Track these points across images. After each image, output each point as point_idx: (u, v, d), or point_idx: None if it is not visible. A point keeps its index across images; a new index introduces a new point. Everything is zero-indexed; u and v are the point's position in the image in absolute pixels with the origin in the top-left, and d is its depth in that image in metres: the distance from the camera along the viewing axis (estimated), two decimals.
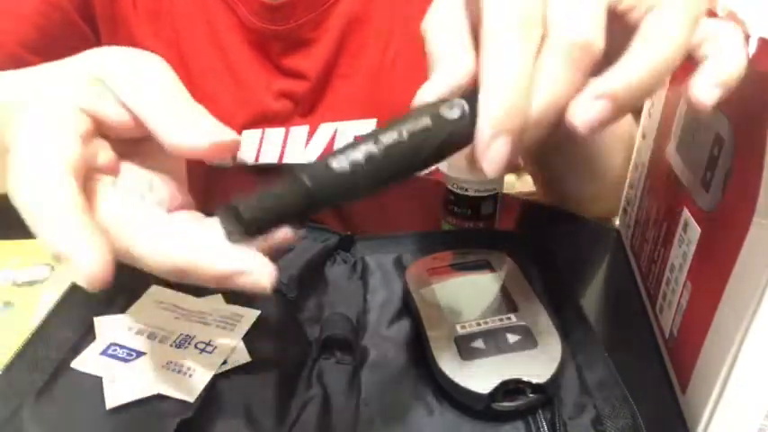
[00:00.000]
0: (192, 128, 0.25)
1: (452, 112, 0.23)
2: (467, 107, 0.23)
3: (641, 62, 0.23)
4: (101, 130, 0.26)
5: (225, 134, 0.25)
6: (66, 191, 0.22)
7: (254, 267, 0.23)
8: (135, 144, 0.27)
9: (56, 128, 0.24)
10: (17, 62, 0.53)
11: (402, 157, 0.23)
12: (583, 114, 0.23)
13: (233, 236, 0.23)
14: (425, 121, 0.23)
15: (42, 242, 0.22)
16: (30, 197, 0.22)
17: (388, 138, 0.23)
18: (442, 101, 0.24)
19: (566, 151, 0.53)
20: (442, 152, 0.24)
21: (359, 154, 0.22)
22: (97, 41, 0.60)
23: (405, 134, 0.23)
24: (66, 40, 0.57)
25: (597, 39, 0.23)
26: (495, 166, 0.23)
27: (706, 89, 0.25)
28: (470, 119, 0.23)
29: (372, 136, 0.23)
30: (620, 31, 0.24)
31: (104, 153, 0.26)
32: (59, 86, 0.26)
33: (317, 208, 0.23)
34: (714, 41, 0.26)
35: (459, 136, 0.23)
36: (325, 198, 0.22)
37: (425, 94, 0.25)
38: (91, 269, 0.21)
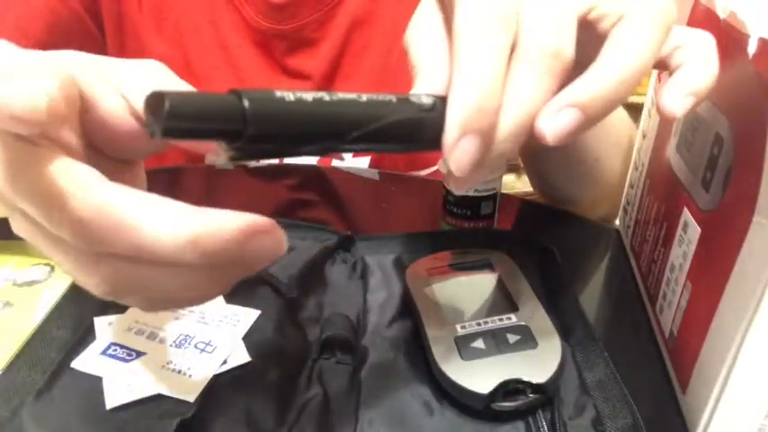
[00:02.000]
0: None
1: (421, 99, 0.23)
2: (440, 103, 0.23)
3: (609, 72, 0.23)
4: (89, 123, 0.24)
5: None
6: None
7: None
8: (120, 170, 0.26)
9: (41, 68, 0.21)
10: None
11: (352, 115, 0.21)
12: (550, 124, 0.23)
13: (152, 128, 0.20)
14: (390, 97, 0.22)
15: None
16: None
17: (346, 94, 0.22)
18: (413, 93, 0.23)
19: (558, 157, 0.53)
20: (401, 133, 0.22)
21: (308, 95, 0.21)
22: (103, 41, 0.60)
23: (363, 97, 0.22)
24: (75, 39, 0.57)
25: (567, 47, 0.23)
26: (461, 165, 0.22)
27: (677, 99, 0.25)
28: (441, 114, 0.22)
29: (330, 92, 0.21)
30: (591, 39, 0.24)
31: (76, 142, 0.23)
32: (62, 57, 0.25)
33: (251, 132, 0.20)
34: (687, 49, 0.26)
35: (424, 125, 0.23)
36: (259, 120, 0.20)
37: None
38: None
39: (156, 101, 0.19)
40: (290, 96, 0.20)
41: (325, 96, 0.21)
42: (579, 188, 0.55)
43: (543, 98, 0.23)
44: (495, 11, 0.22)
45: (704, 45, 0.26)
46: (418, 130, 0.23)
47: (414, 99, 0.23)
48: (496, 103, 0.22)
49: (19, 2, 0.55)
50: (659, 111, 0.26)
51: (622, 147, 0.54)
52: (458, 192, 0.25)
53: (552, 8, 0.23)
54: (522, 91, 0.22)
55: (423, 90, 0.24)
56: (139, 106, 0.24)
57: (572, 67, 0.23)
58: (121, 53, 0.61)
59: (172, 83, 0.26)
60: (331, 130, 0.21)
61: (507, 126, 0.23)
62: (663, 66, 0.27)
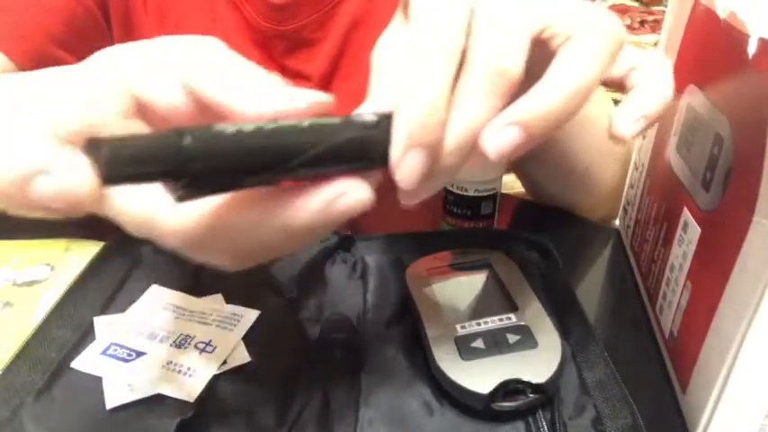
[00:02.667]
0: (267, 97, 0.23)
1: (364, 118, 0.23)
2: (385, 121, 0.23)
3: (553, 91, 0.23)
4: (149, 115, 0.25)
5: (303, 96, 0.23)
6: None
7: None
8: None
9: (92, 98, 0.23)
10: (45, 55, 0.53)
11: (292, 141, 0.21)
12: (493, 141, 0.23)
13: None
14: (333, 119, 0.22)
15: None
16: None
17: (286, 121, 0.22)
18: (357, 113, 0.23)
19: (546, 167, 0.53)
20: (345, 154, 0.22)
21: (249, 126, 0.21)
22: (111, 37, 0.61)
23: (306, 122, 0.22)
24: (88, 36, 0.58)
25: (515, 66, 0.23)
26: (407, 179, 0.22)
27: (627, 122, 0.25)
28: (386, 131, 0.22)
29: (273, 120, 0.22)
30: (545, 57, 0.24)
31: None
32: (109, 71, 0.25)
33: (194, 169, 0.20)
34: (641, 71, 0.26)
35: (368, 143, 0.22)
36: (200, 156, 0.20)
37: None
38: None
39: (94, 149, 0.19)
40: (229, 129, 0.20)
41: (266, 126, 0.21)
42: (572, 196, 0.55)
43: (487, 115, 0.23)
44: (447, 31, 0.23)
45: (659, 68, 0.26)
46: (363, 148, 0.23)
47: (357, 118, 0.23)
48: (441, 118, 0.22)
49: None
50: (609, 134, 0.26)
51: (614, 155, 0.54)
52: (408, 203, 0.25)
53: (504, 26, 0.23)
54: (466, 107, 0.23)
55: (370, 107, 0.24)
56: (208, 94, 0.24)
57: (522, 83, 0.23)
58: None
59: (230, 60, 0.25)
60: (273, 159, 0.21)
61: (452, 141, 0.23)
62: (619, 86, 0.27)
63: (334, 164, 0.22)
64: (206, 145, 0.20)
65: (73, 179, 0.20)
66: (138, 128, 0.25)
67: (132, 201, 0.23)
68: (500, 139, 0.23)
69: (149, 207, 0.23)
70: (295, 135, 0.21)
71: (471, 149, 0.23)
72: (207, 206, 0.22)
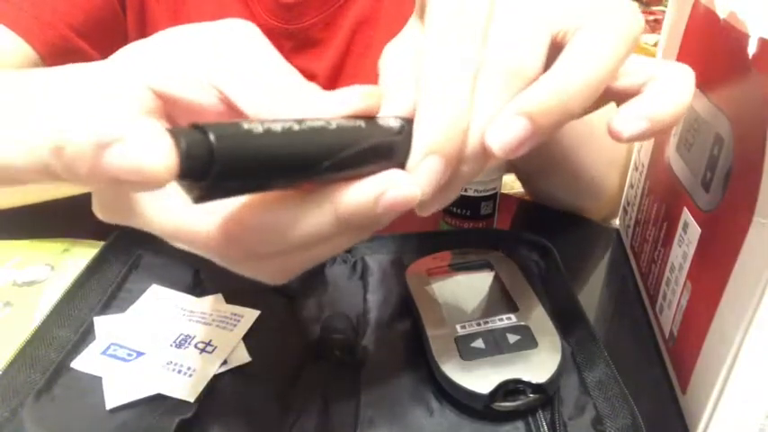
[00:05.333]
0: (286, 101, 0.22)
1: (390, 123, 0.22)
2: (407, 125, 0.22)
3: (563, 80, 0.22)
4: (175, 111, 0.24)
5: (330, 101, 0.22)
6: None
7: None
8: None
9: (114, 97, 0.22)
10: (66, 45, 0.53)
11: (321, 144, 0.21)
12: (499, 135, 0.22)
13: None
14: (359, 122, 0.22)
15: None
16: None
17: (314, 122, 0.21)
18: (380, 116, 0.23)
19: (551, 176, 0.53)
20: (372, 159, 0.22)
21: (277, 125, 0.20)
22: (126, 31, 0.61)
23: (333, 123, 0.21)
24: (107, 27, 0.58)
25: (534, 66, 0.22)
26: (426, 185, 0.22)
27: (627, 121, 0.23)
28: (408, 136, 0.22)
29: (299, 120, 0.21)
30: (555, 54, 0.23)
31: None
32: (130, 68, 0.24)
33: (219, 169, 0.19)
34: (659, 80, 0.25)
35: (392, 147, 0.22)
36: (228, 155, 0.19)
37: None
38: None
39: None
40: (258, 128, 0.19)
41: (295, 126, 0.20)
42: (576, 200, 0.55)
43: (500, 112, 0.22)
44: (466, 29, 0.22)
45: (681, 77, 0.25)
46: (386, 153, 0.22)
47: (382, 122, 0.22)
48: (464, 127, 0.22)
49: None
50: (608, 130, 0.24)
51: (619, 165, 0.54)
52: (423, 214, 0.24)
53: (523, 26, 0.23)
54: (484, 112, 0.22)
55: (389, 112, 0.24)
56: (234, 98, 0.23)
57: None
58: None
59: (263, 49, 0.24)
60: (303, 162, 0.20)
61: (470, 148, 0.22)
62: (636, 94, 0.25)
63: (358, 167, 0.22)
64: (234, 143, 0.19)
65: (152, 155, 0.17)
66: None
67: (157, 209, 0.22)
68: (506, 132, 0.21)
69: (176, 214, 0.22)
70: (324, 137, 0.21)
71: (488, 155, 0.23)
72: (243, 204, 0.21)
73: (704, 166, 0.33)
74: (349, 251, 0.45)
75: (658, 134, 0.24)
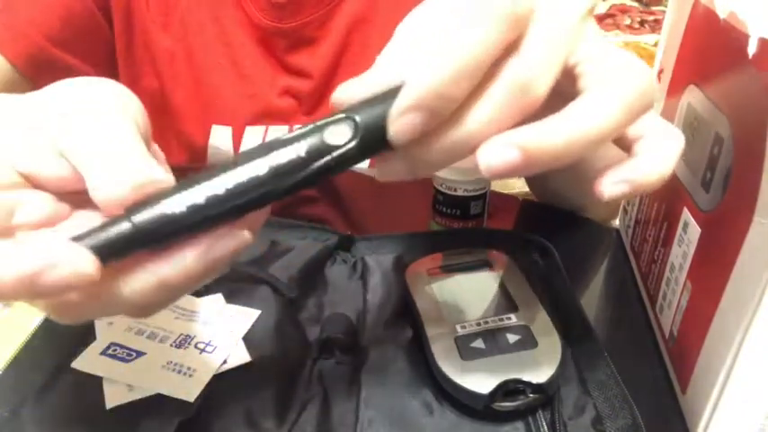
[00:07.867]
0: (111, 177, 0.22)
1: (338, 137, 0.22)
2: (359, 122, 0.22)
3: (567, 130, 0.23)
4: (42, 186, 0.24)
5: (149, 173, 0.22)
6: None
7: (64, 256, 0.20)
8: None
9: None
10: (43, 55, 0.53)
11: (255, 198, 0.22)
12: (490, 156, 0.22)
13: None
14: (298, 152, 0.22)
15: None
16: None
17: (244, 167, 0.22)
18: (334, 120, 0.23)
19: (560, 181, 0.53)
20: (318, 177, 0.23)
21: (200, 196, 0.21)
22: (112, 36, 0.61)
23: (266, 164, 0.22)
24: (87, 35, 0.58)
25: (540, 88, 0.22)
26: (401, 134, 0.22)
27: (608, 183, 0.25)
28: (360, 136, 0.22)
29: (220, 170, 0.22)
30: (566, 91, 0.24)
31: (31, 209, 0.24)
32: None
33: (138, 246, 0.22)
34: (648, 140, 0.26)
35: (341, 160, 0.23)
36: (148, 235, 0.21)
37: (343, 92, 0.25)
38: None
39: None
40: (177, 209, 0.21)
41: (219, 191, 0.21)
42: (579, 200, 0.55)
43: (497, 125, 0.22)
44: (502, 23, 0.22)
45: (668, 144, 0.26)
46: (331, 169, 0.23)
47: (329, 138, 0.22)
48: (454, 95, 0.22)
49: None
50: (594, 187, 0.26)
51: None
52: (382, 178, 0.24)
53: (543, 47, 0.23)
54: (479, 108, 0.22)
55: (364, 83, 0.24)
56: (81, 169, 0.23)
57: (541, 104, 0.23)
58: (129, 48, 0.61)
59: (115, 123, 0.24)
60: (229, 218, 0.22)
61: (452, 135, 0.22)
62: (625, 147, 0.26)
63: (303, 187, 0.23)
64: (154, 226, 0.21)
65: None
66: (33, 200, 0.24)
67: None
68: (498, 156, 0.22)
69: None
70: (254, 189, 0.22)
71: (463, 153, 0.23)
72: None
73: (704, 166, 0.33)
74: (349, 251, 0.45)
75: (639, 194, 0.26)
